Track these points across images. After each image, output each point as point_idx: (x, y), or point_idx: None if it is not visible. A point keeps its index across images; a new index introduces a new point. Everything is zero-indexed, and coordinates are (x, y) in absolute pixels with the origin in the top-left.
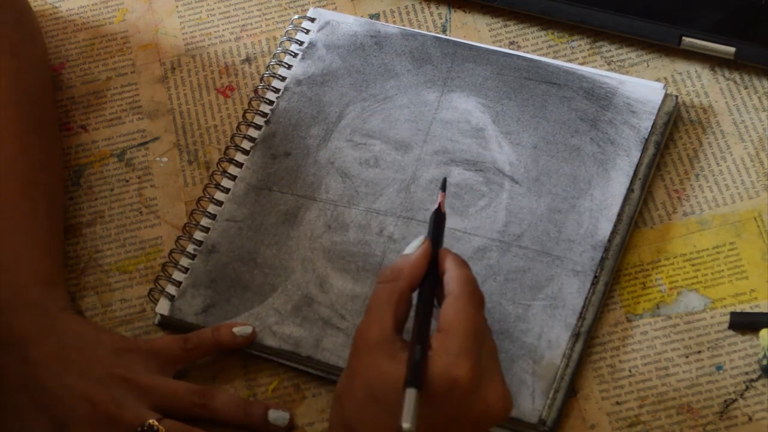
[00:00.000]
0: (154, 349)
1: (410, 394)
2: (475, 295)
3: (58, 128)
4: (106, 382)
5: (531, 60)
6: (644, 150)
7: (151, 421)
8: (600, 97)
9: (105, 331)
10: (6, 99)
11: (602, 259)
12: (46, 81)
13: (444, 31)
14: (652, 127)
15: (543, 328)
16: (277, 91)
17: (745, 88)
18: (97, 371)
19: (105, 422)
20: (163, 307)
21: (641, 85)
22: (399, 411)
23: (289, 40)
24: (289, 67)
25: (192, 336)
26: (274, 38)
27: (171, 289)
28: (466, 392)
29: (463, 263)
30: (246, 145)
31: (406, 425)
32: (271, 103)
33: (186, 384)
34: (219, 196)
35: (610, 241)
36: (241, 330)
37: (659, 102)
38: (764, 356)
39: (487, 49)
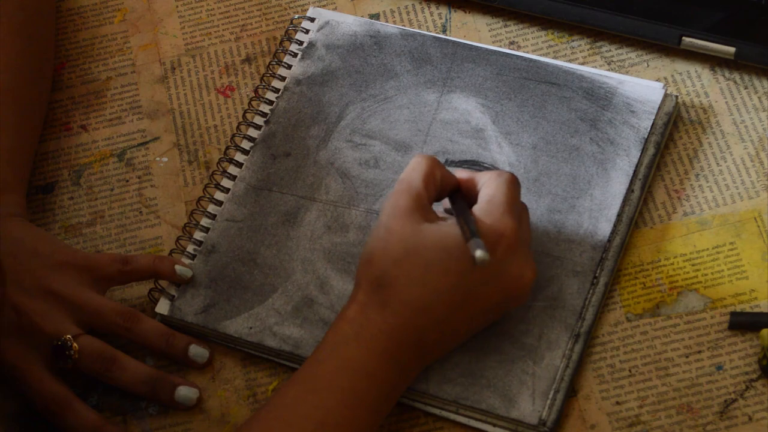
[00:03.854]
0: (90, 264)
1: (477, 242)
2: (512, 176)
3: (54, 50)
4: (34, 293)
5: (530, 60)
6: (644, 150)
7: (66, 336)
8: (599, 97)
9: (46, 242)
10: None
11: (602, 260)
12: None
13: (444, 31)
14: (651, 127)
15: (543, 329)
16: (276, 91)
17: (745, 88)
18: (28, 282)
19: (28, 332)
20: (163, 306)
21: (641, 85)
22: (463, 255)
23: (289, 40)
24: (289, 67)
25: (132, 258)
26: (274, 38)
27: (171, 289)
28: (510, 246)
29: None
30: (246, 145)
31: (479, 253)
32: (270, 103)
33: (114, 304)
34: (219, 196)
35: (609, 241)
36: (182, 270)
37: (659, 102)
38: (764, 356)
39: (487, 49)
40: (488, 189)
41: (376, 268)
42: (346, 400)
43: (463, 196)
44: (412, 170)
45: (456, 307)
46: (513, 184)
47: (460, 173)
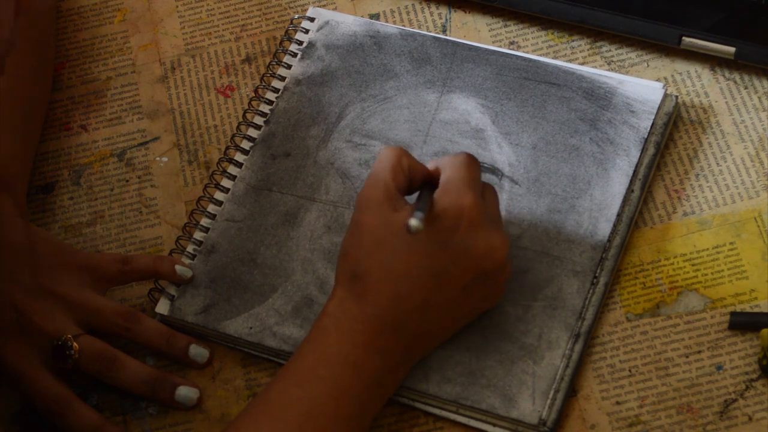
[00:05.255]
0: (90, 264)
1: (415, 214)
2: (467, 156)
3: (54, 50)
4: (34, 293)
5: (530, 60)
6: (644, 150)
7: (66, 336)
8: (599, 97)
9: (46, 242)
10: None
11: (602, 260)
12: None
13: (444, 31)
14: (651, 126)
15: (543, 329)
16: (276, 91)
17: (745, 88)
18: (28, 281)
19: (28, 332)
20: (163, 306)
21: (641, 85)
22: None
23: (289, 40)
24: (289, 67)
25: (132, 258)
26: (274, 38)
27: (171, 289)
28: (472, 220)
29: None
30: (246, 145)
31: (413, 221)
32: (270, 103)
33: (114, 304)
34: (219, 196)
35: (609, 241)
36: (182, 270)
37: (659, 102)
38: (764, 356)
39: (487, 49)
40: (446, 172)
41: (350, 262)
42: (329, 391)
43: (434, 185)
44: (379, 162)
45: (431, 290)
46: (468, 163)
47: (430, 164)
